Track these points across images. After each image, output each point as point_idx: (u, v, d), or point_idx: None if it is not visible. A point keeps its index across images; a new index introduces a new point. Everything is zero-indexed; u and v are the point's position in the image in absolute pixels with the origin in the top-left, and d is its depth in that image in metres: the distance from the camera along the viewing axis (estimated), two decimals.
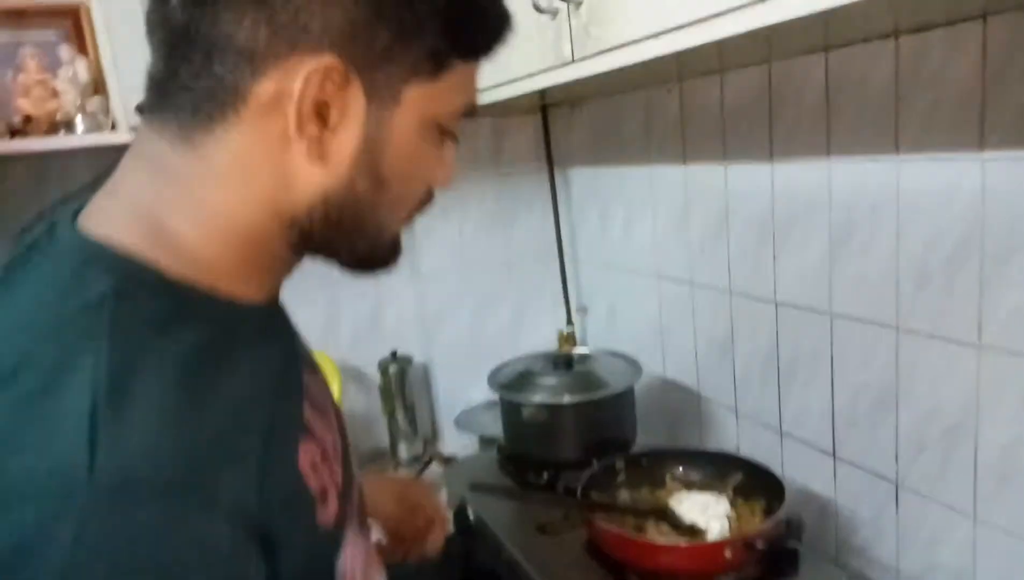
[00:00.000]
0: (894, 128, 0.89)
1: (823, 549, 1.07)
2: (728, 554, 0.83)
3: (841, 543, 1.07)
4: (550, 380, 1.22)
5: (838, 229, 1.00)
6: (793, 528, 0.87)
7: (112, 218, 0.46)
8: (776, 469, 1.17)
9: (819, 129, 1.00)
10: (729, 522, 0.94)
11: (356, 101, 0.46)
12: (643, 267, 1.48)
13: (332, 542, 0.50)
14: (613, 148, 1.51)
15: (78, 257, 0.44)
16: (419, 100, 0.48)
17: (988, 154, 0.79)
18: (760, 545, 0.83)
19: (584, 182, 1.67)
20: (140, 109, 0.49)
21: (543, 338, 1.79)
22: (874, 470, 1.00)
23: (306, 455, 0.48)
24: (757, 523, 0.93)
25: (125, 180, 0.49)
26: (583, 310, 1.75)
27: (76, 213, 0.47)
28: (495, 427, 1.58)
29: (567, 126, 1.66)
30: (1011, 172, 0.77)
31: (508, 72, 1.06)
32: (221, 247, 0.47)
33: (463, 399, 1.72)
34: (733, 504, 1.00)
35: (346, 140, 0.46)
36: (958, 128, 0.82)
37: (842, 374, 1.03)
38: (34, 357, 0.40)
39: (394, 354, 1.61)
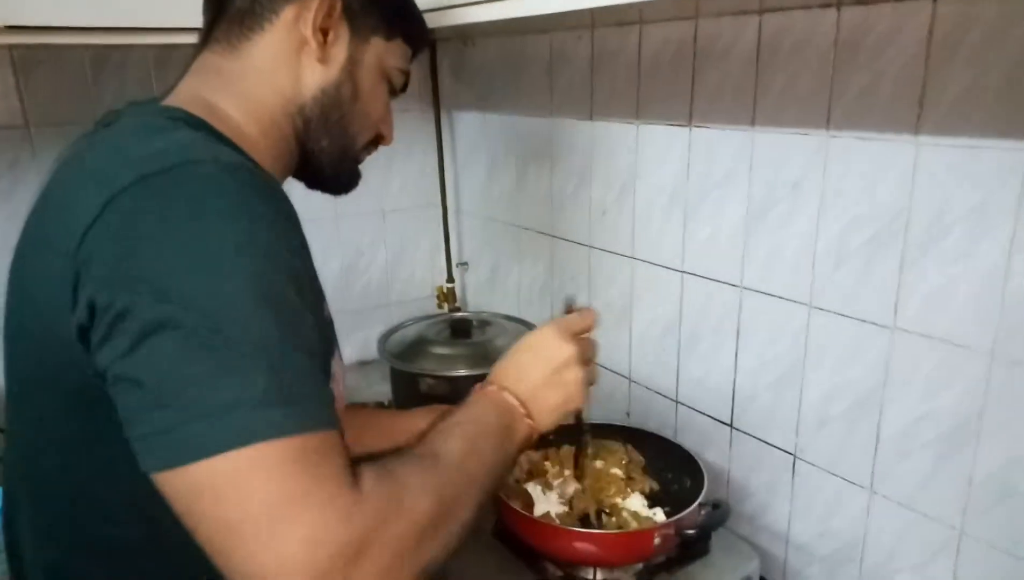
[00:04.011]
0: (827, 102, 0.87)
1: None
2: (657, 541, 0.80)
3: (732, 509, 1.09)
4: (448, 349, 1.12)
5: (756, 203, 0.98)
6: (722, 512, 0.85)
7: (176, 102, 0.64)
8: (669, 435, 1.18)
9: (745, 95, 0.96)
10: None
11: (343, 31, 0.70)
12: (536, 225, 1.41)
13: (332, 336, 0.66)
14: (509, 94, 1.40)
15: (156, 109, 0.63)
16: (378, 48, 0.73)
17: (924, 138, 0.79)
18: (693, 532, 0.81)
19: (472, 128, 1.55)
20: (196, 48, 0.70)
21: (418, 294, 1.68)
22: (772, 441, 1.02)
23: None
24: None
25: (183, 85, 0.68)
26: (463, 266, 1.66)
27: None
28: (368, 391, 1.46)
29: (457, 64, 1.52)
30: (945, 158, 0.77)
31: None
32: (256, 128, 0.66)
33: None
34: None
35: (337, 53, 0.70)
36: (895, 108, 0.81)
37: (747, 348, 1.03)
38: (133, 146, 0.55)
39: None
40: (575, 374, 0.73)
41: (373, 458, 0.56)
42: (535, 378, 0.72)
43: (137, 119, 0.60)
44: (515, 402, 0.70)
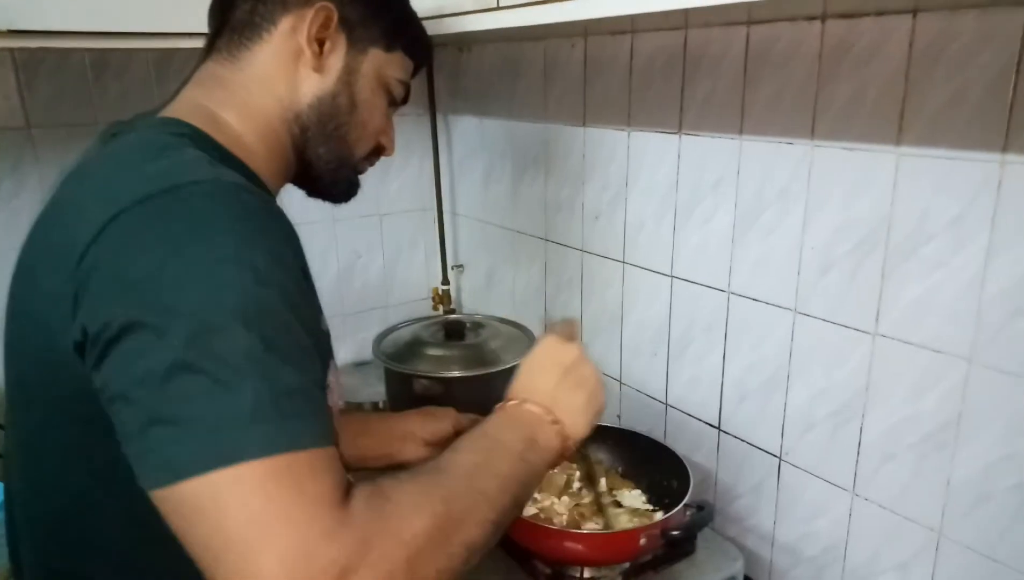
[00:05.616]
0: (812, 112, 0.89)
1: None
2: (643, 542, 0.81)
3: (719, 511, 1.11)
4: (442, 351, 1.14)
5: (744, 210, 1.00)
6: (706, 513, 0.87)
7: (179, 112, 0.65)
8: (659, 438, 1.19)
9: (734, 105, 0.98)
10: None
11: (340, 42, 0.71)
12: (530, 229, 1.42)
13: (328, 348, 0.64)
14: (504, 100, 1.42)
15: (162, 123, 0.65)
16: (376, 59, 0.74)
17: (904, 149, 0.81)
18: (678, 533, 0.83)
19: (468, 133, 1.57)
20: (200, 58, 0.72)
21: (415, 296, 1.70)
22: (758, 444, 1.04)
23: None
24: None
25: (186, 94, 0.69)
26: (459, 268, 1.67)
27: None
28: (363, 391, 1.48)
29: (454, 70, 1.54)
30: (925, 169, 0.79)
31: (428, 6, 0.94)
32: (254, 136, 0.68)
33: None
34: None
35: (334, 63, 0.71)
36: (877, 120, 0.82)
37: (735, 352, 1.05)
38: (140, 160, 0.57)
39: None
40: (590, 369, 0.72)
41: (385, 471, 0.54)
42: (552, 382, 0.70)
43: (143, 133, 0.62)
44: (537, 410, 0.68)
